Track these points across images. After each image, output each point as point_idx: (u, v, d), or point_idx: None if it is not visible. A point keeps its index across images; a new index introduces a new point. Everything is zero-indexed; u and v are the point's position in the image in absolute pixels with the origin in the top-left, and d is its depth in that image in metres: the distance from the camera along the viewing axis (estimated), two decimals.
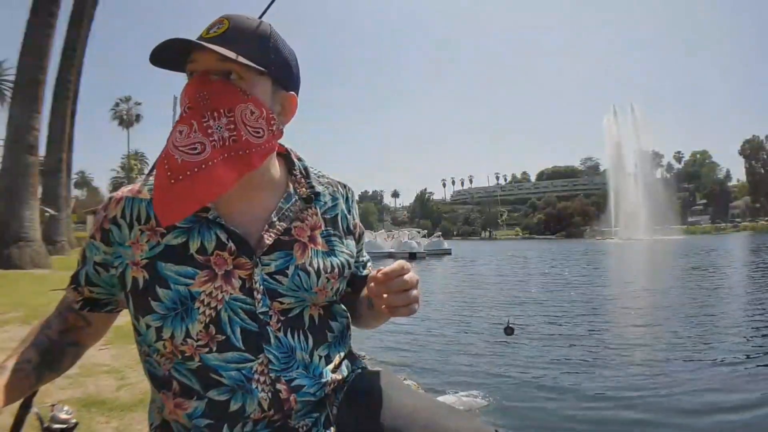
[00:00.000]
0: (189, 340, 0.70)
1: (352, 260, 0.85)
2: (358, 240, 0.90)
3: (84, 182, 69.93)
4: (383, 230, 45.42)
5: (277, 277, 0.74)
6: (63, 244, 15.40)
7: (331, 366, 0.78)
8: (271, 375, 0.72)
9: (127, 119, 57.59)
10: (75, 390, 2.67)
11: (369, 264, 0.94)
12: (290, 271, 0.75)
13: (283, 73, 0.76)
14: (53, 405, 0.82)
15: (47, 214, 14.59)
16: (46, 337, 0.75)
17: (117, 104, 58.15)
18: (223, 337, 0.71)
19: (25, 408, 0.78)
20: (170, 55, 0.71)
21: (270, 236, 0.75)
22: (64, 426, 0.80)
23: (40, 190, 13.17)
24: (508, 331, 5.86)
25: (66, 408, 0.82)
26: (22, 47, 11.37)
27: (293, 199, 0.80)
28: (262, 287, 0.73)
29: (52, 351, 0.74)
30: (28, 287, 7.12)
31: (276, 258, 0.75)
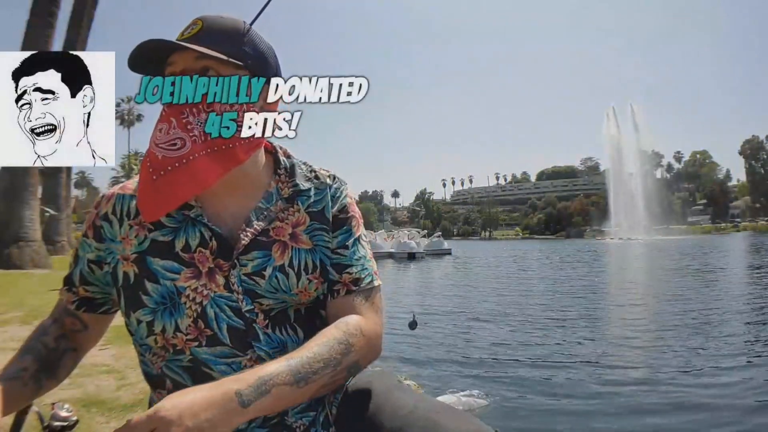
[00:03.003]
0: (179, 334, 0.71)
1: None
2: (337, 230, 0.79)
3: (84, 182, 69.90)
4: (383, 230, 45.38)
5: (254, 278, 0.73)
6: (63, 244, 15.38)
7: None
8: None
9: (128, 119, 57.63)
10: (75, 390, 2.67)
11: (351, 270, 0.78)
12: (267, 273, 0.74)
13: (261, 66, 0.76)
14: (53, 404, 0.82)
15: (47, 214, 14.56)
16: (42, 344, 0.75)
17: (119, 104, 58.19)
18: (211, 332, 0.71)
19: (25, 406, 0.78)
20: (149, 59, 0.71)
21: (246, 236, 0.74)
22: (65, 423, 0.79)
23: (40, 190, 13.14)
24: (412, 325, 5.87)
25: (66, 406, 0.81)
26: (22, 47, 11.36)
27: (274, 199, 0.78)
28: (241, 288, 0.73)
29: (50, 357, 0.74)
30: (28, 287, 7.11)
31: (253, 258, 0.74)
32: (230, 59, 0.71)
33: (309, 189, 0.81)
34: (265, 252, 0.75)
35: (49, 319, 0.80)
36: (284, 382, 0.61)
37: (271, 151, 0.83)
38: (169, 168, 0.68)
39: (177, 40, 0.72)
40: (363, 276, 0.78)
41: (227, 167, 0.71)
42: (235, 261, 0.73)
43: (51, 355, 0.75)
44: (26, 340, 0.76)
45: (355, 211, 0.84)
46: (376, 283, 0.80)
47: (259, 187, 0.79)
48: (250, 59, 0.74)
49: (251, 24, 0.76)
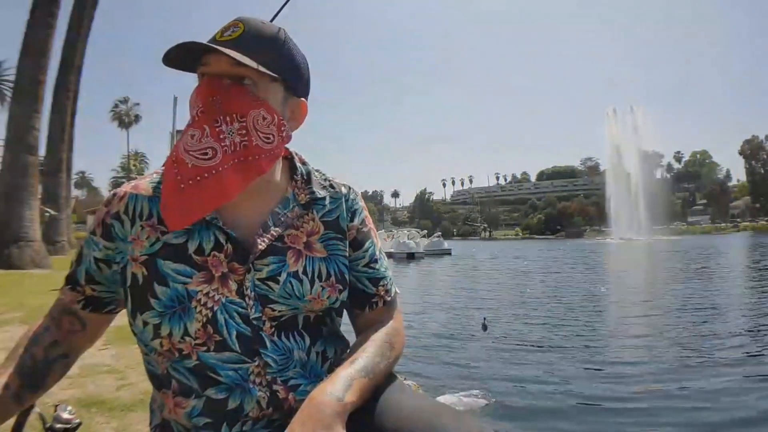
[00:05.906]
0: (187, 338, 0.71)
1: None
2: (357, 244, 0.83)
3: (84, 182, 69.92)
4: (383, 230, 45.34)
5: (268, 283, 0.74)
6: (63, 244, 15.38)
7: (327, 364, 0.79)
8: (267, 377, 0.72)
9: (126, 120, 57.68)
10: (75, 390, 2.67)
11: (384, 282, 0.85)
12: (282, 278, 0.74)
13: (295, 79, 0.77)
14: (56, 405, 0.81)
15: (47, 214, 14.56)
16: (30, 356, 0.73)
17: (116, 105, 58.23)
18: (220, 338, 0.71)
19: (26, 408, 0.78)
20: (182, 55, 0.71)
21: (263, 241, 0.74)
22: (67, 426, 0.79)
23: (40, 190, 13.14)
24: (484, 327, 6.02)
25: (69, 408, 0.81)
26: (22, 47, 11.37)
27: (291, 205, 0.79)
28: (253, 293, 0.73)
29: (37, 370, 0.72)
30: (28, 287, 7.11)
31: (269, 263, 0.74)
32: (269, 72, 0.72)
33: (324, 197, 0.82)
34: (280, 258, 0.75)
35: (43, 322, 0.77)
36: (360, 376, 0.69)
37: (288, 157, 0.84)
38: (198, 178, 0.68)
39: (215, 39, 0.72)
40: (391, 287, 0.86)
41: (251, 178, 0.72)
42: (250, 266, 0.73)
43: (39, 367, 0.73)
44: (13, 348, 0.74)
45: (371, 221, 0.88)
46: (398, 290, 0.89)
47: (276, 192, 0.79)
48: (286, 72, 0.75)
49: (271, 21, 0.76)
